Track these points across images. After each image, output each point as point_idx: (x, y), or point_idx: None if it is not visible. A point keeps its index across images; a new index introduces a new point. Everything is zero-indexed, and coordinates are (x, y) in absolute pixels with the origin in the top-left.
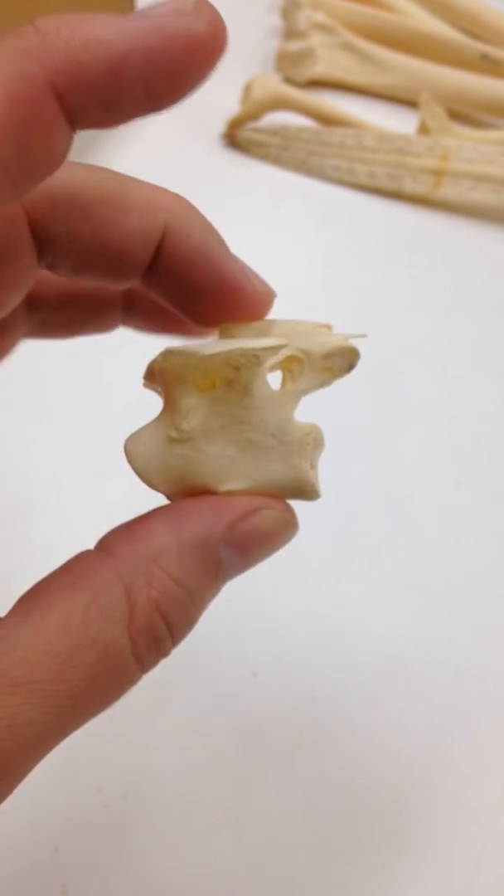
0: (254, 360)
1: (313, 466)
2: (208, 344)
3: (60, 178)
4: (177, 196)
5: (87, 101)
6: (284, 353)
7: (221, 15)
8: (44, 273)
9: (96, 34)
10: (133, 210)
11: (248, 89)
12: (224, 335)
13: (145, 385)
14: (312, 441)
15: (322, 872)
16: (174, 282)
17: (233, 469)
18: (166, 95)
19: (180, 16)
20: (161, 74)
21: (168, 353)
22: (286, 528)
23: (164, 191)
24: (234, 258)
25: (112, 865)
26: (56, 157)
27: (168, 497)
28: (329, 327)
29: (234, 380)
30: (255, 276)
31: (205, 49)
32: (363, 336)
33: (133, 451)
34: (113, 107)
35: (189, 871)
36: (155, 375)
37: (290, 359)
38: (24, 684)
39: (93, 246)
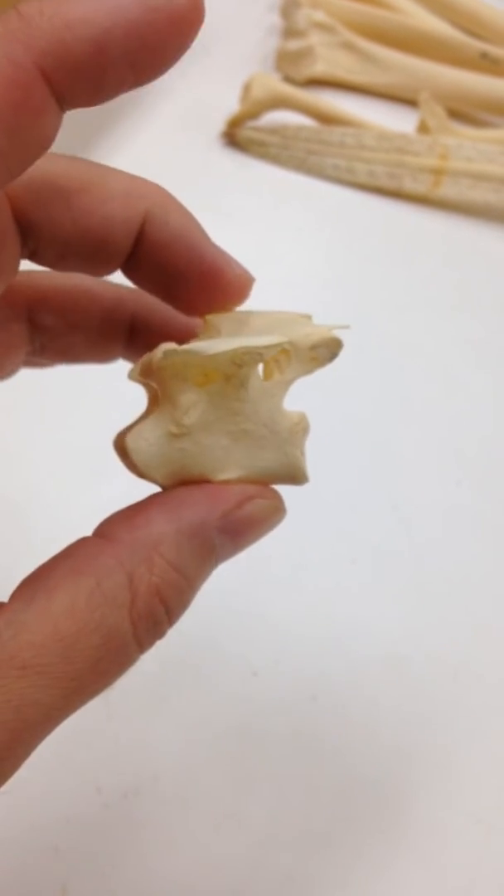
0: (257, 357)
1: (303, 453)
2: (210, 343)
3: (42, 168)
4: (156, 185)
5: (74, 80)
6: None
7: (213, 17)
8: (49, 296)
9: (78, 14)
10: (113, 198)
11: (247, 88)
12: (208, 325)
13: (133, 378)
14: (301, 430)
15: (322, 871)
16: (156, 268)
17: (228, 459)
18: (149, 69)
19: None
20: (144, 48)
21: (171, 352)
22: (275, 513)
23: (144, 180)
24: (213, 244)
25: (112, 865)
26: (46, 139)
27: (164, 489)
28: (309, 317)
29: (231, 375)
30: (235, 260)
31: (185, 20)
32: (346, 327)
33: (135, 448)
34: (99, 83)
35: (189, 869)
36: (151, 372)
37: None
38: (31, 667)
39: (75, 234)
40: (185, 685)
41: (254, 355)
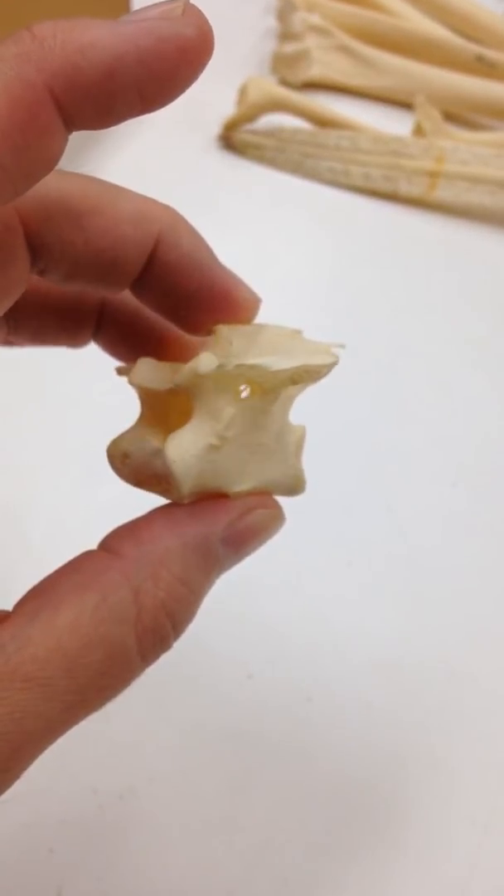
0: (315, 374)
1: (302, 465)
2: (272, 360)
3: (56, 188)
4: (168, 207)
5: (82, 103)
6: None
7: (208, 19)
8: None
9: (91, 38)
10: (126, 220)
11: (243, 91)
12: (218, 336)
13: (133, 382)
14: (303, 442)
15: (317, 873)
16: (165, 289)
17: (244, 471)
18: (158, 97)
19: (170, 20)
20: (153, 77)
21: (230, 365)
22: (275, 521)
23: (156, 202)
24: (223, 267)
25: (108, 866)
26: (52, 158)
27: (177, 502)
28: (299, 332)
29: (270, 390)
30: (243, 283)
31: (194, 52)
32: (342, 345)
33: (178, 459)
34: (107, 108)
35: (185, 871)
36: (190, 381)
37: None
38: (35, 679)
39: (86, 254)
40: (181, 687)
41: (312, 373)
